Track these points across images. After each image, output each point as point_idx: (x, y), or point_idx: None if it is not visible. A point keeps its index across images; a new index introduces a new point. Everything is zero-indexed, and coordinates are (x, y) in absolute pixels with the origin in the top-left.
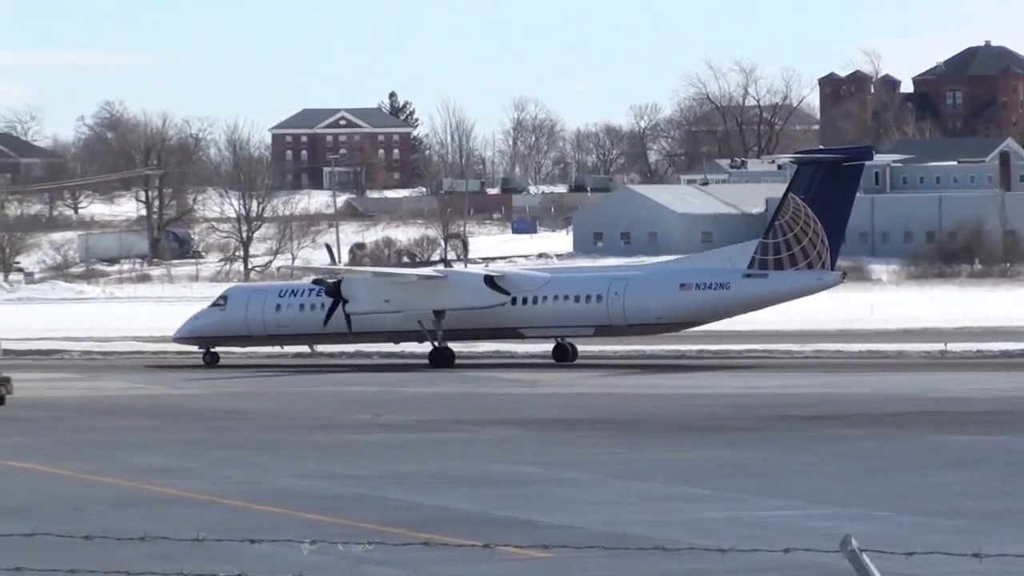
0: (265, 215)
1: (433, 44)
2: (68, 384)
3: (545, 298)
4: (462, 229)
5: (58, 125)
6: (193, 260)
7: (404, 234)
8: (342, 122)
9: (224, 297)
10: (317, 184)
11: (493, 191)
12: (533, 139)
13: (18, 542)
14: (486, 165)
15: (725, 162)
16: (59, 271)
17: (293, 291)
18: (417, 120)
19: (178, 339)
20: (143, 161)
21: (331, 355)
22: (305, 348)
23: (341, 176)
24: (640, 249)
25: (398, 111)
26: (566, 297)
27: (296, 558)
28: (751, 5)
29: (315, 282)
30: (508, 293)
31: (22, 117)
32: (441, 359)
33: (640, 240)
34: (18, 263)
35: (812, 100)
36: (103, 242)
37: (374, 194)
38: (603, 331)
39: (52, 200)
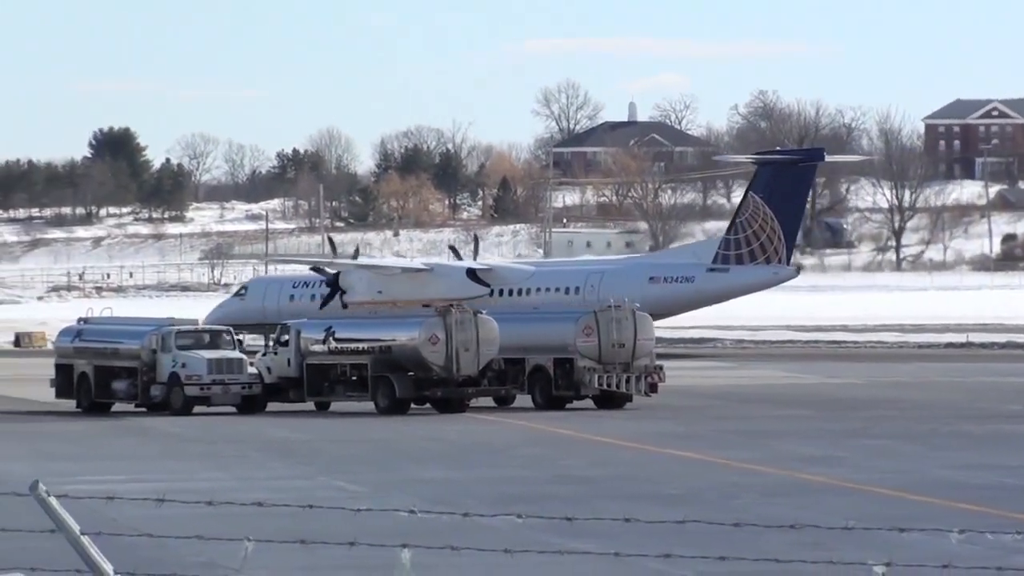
0: (917, 205)
1: None
2: (719, 372)
3: (528, 290)
4: None
5: (712, 114)
6: (845, 250)
7: None
8: (994, 112)
9: (245, 287)
10: (969, 175)
11: None
12: None
13: (670, 528)
14: None
15: None
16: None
17: (306, 282)
18: None
19: None
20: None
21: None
22: None
23: (993, 167)
24: None
25: None
26: (547, 289)
27: (945, 547)
28: None
29: (313, 269)
30: (488, 285)
31: (677, 106)
32: None
33: None
34: None
35: None
36: None
37: None
38: None
39: (705, 189)
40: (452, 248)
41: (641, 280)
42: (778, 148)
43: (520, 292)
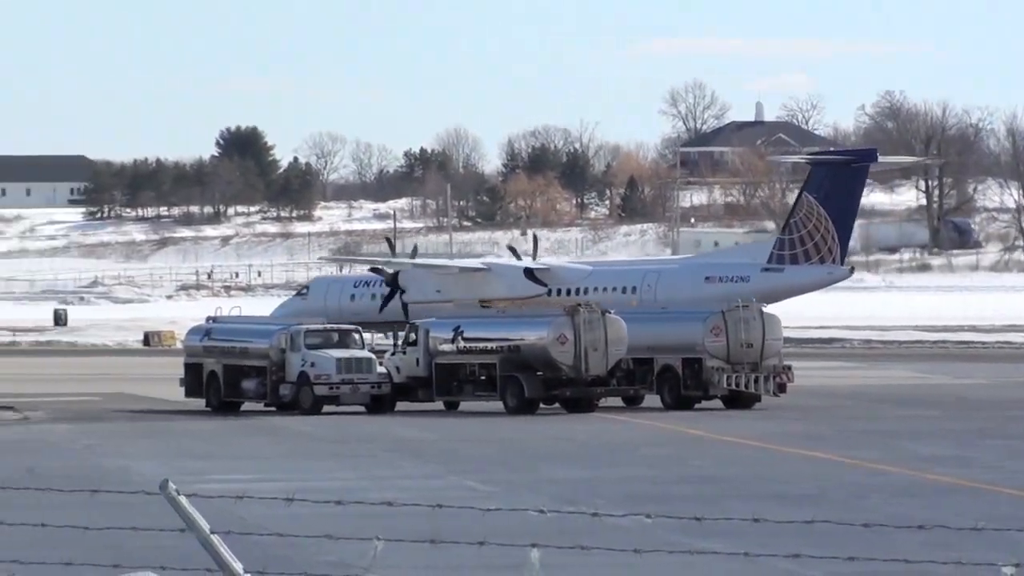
0: None
1: None
2: (847, 372)
3: (586, 289)
4: None
5: (838, 114)
6: (973, 250)
7: None
8: None
9: (306, 287)
10: None
11: None
12: None
13: (798, 528)
14: None
15: None
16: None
17: (367, 282)
18: None
19: None
20: (923, 150)
21: None
22: None
23: None
24: None
25: None
26: (604, 288)
27: None
28: None
29: (372, 270)
30: (546, 285)
31: (803, 106)
32: None
33: None
34: None
35: None
36: (882, 231)
37: None
38: None
39: None
40: (511, 248)
41: (697, 280)
42: (832, 149)
43: (577, 291)
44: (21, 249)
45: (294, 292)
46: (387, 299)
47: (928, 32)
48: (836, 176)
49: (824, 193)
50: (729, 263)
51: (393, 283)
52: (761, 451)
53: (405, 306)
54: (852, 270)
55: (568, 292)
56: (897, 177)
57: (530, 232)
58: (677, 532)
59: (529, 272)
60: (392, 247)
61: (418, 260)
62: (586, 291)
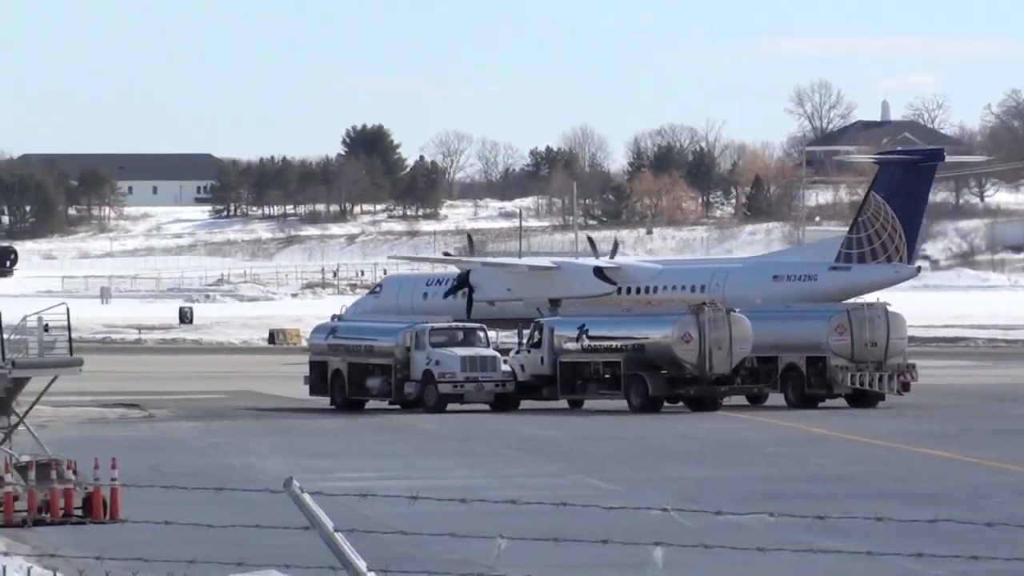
0: None
1: None
2: (972, 371)
3: (655, 288)
4: None
5: (964, 113)
6: None
7: None
8: None
9: (380, 285)
10: None
11: None
12: None
13: (921, 528)
14: None
15: None
16: (964, 259)
17: (439, 280)
18: None
19: None
20: None
21: None
22: None
23: None
24: None
25: None
26: (674, 287)
27: None
28: None
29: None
30: (615, 283)
31: (929, 105)
32: None
33: None
34: (923, 250)
35: None
36: (1008, 230)
37: None
38: None
39: (958, 187)
40: (590, 239)
41: (765, 279)
42: (899, 148)
43: (647, 290)
44: (147, 247)
45: (368, 291)
46: (449, 292)
47: None
48: (903, 176)
49: (892, 192)
50: (797, 262)
51: (464, 281)
52: (885, 450)
53: (470, 304)
54: (919, 269)
55: (637, 291)
56: None
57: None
58: (800, 531)
59: (599, 271)
60: (471, 245)
61: (488, 259)
62: (655, 290)
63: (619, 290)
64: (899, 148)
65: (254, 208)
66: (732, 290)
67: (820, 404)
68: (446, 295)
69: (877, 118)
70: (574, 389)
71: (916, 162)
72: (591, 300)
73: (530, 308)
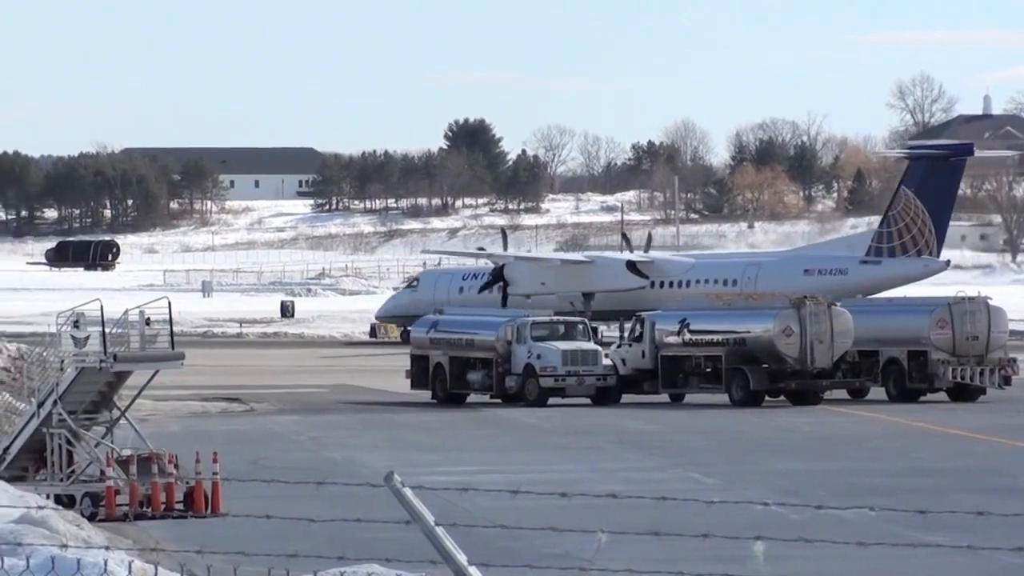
0: None
1: None
2: None
3: (688, 282)
4: None
5: None
6: None
7: None
8: None
9: (416, 279)
10: None
11: None
12: None
13: (1023, 522)
14: None
15: None
16: None
17: (475, 274)
18: None
19: (379, 317)
20: None
21: None
22: None
23: None
24: None
25: None
26: (706, 281)
27: None
28: None
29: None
30: (647, 277)
31: None
32: None
33: None
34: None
35: None
36: None
37: None
38: None
39: None
40: (623, 235)
41: (796, 272)
42: (928, 143)
43: (680, 284)
44: (249, 241)
45: (405, 285)
46: (484, 287)
47: None
48: (933, 170)
49: (921, 187)
50: (828, 256)
51: (499, 275)
52: (986, 444)
53: (505, 298)
54: (948, 263)
55: (670, 284)
56: None
57: (756, 224)
58: (900, 525)
59: (631, 265)
60: (505, 240)
61: (522, 254)
62: (688, 284)
63: (652, 284)
64: (928, 143)
65: (356, 202)
66: (764, 284)
67: (921, 398)
68: (481, 290)
69: (979, 112)
70: (675, 383)
71: (945, 156)
72: (623, 295)
73: (563, 302)
